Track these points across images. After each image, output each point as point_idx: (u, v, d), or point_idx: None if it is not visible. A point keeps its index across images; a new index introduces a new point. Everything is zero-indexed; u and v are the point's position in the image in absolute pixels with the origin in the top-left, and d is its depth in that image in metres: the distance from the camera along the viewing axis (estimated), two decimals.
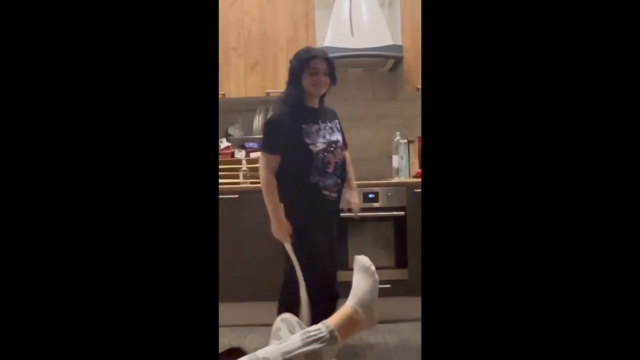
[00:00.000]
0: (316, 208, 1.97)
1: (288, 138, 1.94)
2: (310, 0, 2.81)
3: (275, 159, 1.95)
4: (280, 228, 1.95)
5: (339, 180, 2.02)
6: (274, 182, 1.95)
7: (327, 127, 2.02)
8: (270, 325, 1.46)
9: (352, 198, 2.16)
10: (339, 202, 2.08)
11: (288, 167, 1.95)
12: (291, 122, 1.95)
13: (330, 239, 2.05)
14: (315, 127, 1.97)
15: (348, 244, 2.60)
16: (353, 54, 2.72)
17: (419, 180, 2.71)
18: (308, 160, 1.93)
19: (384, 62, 2.88)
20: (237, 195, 2.57)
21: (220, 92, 2.75)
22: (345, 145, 2.12)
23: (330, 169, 1.98)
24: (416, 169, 2.90)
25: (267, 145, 1.98)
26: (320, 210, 1.99)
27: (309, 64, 1.94)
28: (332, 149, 1.98)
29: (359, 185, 2.40)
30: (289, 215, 1.97)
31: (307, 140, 1.94)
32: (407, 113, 3.09)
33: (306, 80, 1.95)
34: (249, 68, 2.83)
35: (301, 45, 2.77)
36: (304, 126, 1.95)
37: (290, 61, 2.00)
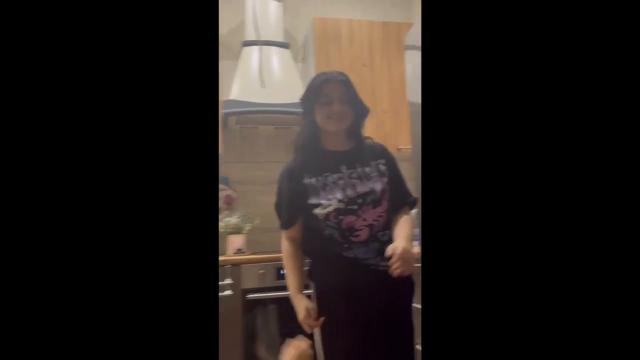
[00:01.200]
0: (353, 285, 1.37)
1: (295, 201, 1.43)
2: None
3: (292, 230, 1.47)
4: (305, 314, 1.35)
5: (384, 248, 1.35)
6: (295, 255, 1.46)
7: (355, 174, 1.42)
8: None
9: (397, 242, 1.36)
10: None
11: (309, 237, 1.46)
12: (295, 178, 1.43)
13: (376, 331, 1.37)
14: (332, 177, 1.41)
15: (257, 333, 2.17)
16: (263, 109, 2.43)
17: None
18: (317, 231, 1.40)
19: (298, 119, 2.59)
20: None
21: None
22: (401, 195, 1.49)
23: (362, 237, 1.38)
24: None
25: (280, 220, 1.50)
26: (357, 286, 1.37)
27: (318, 93, 1.42)
28: (355, 207, 1.38)
29: (267, 260, 2.20)
30: (318, 295, 1.43)
31: (312, 201, 1.39)
32: None
33: (320, 115, 1.43)
34: None
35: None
36: (307, 181, 1.41)
37: (300, 98, 1.50)
